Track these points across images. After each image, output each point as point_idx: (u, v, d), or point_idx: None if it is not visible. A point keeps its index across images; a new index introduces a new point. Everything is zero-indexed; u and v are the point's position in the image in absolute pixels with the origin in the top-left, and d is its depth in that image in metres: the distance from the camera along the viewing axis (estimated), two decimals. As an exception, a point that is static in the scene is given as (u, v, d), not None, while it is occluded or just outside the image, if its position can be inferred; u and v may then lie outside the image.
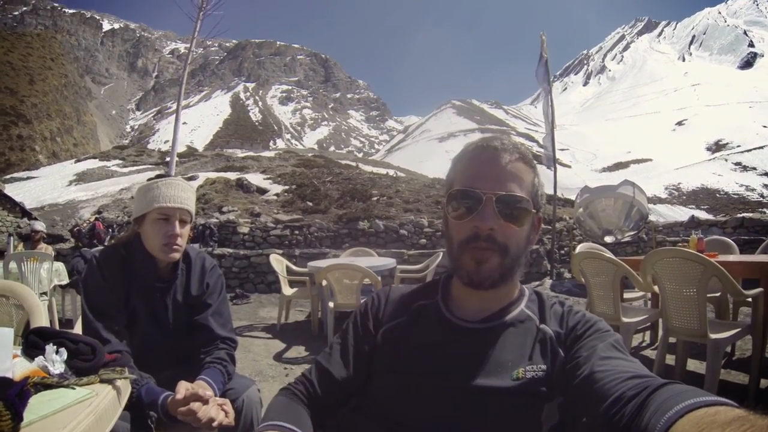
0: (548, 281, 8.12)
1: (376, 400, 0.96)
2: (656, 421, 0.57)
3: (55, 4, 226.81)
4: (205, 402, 1.22)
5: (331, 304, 4.46)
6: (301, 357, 4.37)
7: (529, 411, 0.86)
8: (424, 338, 0.95)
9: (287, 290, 5.50)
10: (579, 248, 4.06)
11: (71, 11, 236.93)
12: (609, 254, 3.59)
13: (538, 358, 0.88)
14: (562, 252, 10.64)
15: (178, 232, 1.49)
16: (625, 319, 3.01)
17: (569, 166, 58.31)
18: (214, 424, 1.20)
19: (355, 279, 4.44)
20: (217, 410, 1.22)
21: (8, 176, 33.05)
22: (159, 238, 1.47)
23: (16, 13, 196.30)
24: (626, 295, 3.94)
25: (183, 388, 1.24)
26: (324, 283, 4.51)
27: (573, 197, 12.44)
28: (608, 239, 8.63)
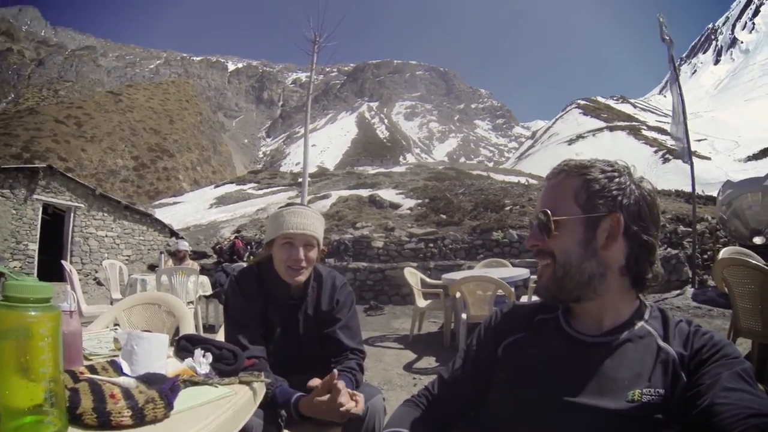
0: (689, 290, 7.19)
1: (491, 414, 0.96)
2: None
3: (184, 54, 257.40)
4: (337, 392, 1.29)
5: (464, 316, 4.43)
6: (430, 367, 4.39)
7: None
8: (542, 352, 0.93)
9: (421, 302, 5.58)
10: (722, 253, 3.58)
11: (198, 58, 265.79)
12: (758, 260, 3.06)
13: (658, 381, 0.80)
14: (705, 257, 9.49)
15: (302, 256, 1.60)
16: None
17: (708, 158, 49.71)
18: (342, 409, 1.27)
19: (488, 290, 4.40)
20: (347, 398, 1.30)
21: (157, 202, 36.03)
22: (284, 262, 1.62)
23: (152, 66, 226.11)
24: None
25: (316, 381, 1.35)
26: (458, 295, 4.52)
27: (715, 193, 10.80)
28: (757, 240, 7.48)
